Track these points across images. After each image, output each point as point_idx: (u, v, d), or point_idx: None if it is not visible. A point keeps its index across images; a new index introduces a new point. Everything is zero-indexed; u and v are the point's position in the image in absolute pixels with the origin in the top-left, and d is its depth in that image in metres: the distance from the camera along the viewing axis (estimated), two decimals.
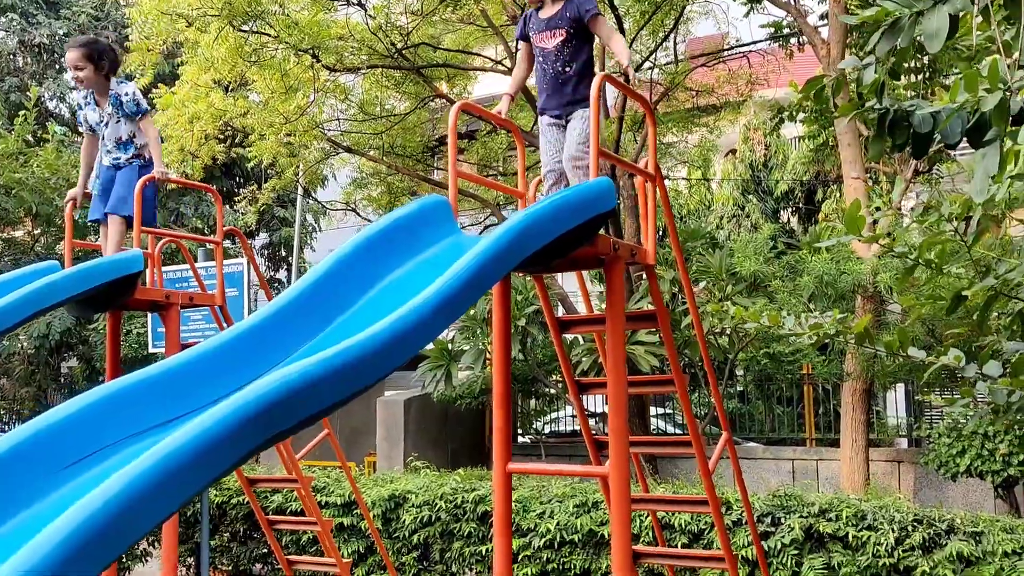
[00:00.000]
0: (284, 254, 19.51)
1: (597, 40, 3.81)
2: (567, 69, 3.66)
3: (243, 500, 8.42)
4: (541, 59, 3.74)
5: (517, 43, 4.02)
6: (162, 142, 13.33)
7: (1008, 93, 2.44)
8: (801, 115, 14.53)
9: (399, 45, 9.36)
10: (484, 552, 7.31)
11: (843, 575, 6.06)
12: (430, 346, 11.81)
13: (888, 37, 2.74)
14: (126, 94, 4.84)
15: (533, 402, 14.39)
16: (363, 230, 3.12)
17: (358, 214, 15.57)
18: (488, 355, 11.16)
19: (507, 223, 2.80)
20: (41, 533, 1.69)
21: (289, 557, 6.07)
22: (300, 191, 16.01)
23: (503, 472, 3.61)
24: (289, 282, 19.83)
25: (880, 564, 5.97)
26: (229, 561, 8.57)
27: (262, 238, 19.74)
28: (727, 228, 18.77)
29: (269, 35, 8.78)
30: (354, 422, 15.12)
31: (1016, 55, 2.49)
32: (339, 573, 5.56)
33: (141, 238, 4.68)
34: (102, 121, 4.92)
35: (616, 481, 3.27)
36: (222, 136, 12.83)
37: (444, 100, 12.22)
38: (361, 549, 7.75)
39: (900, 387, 13.15)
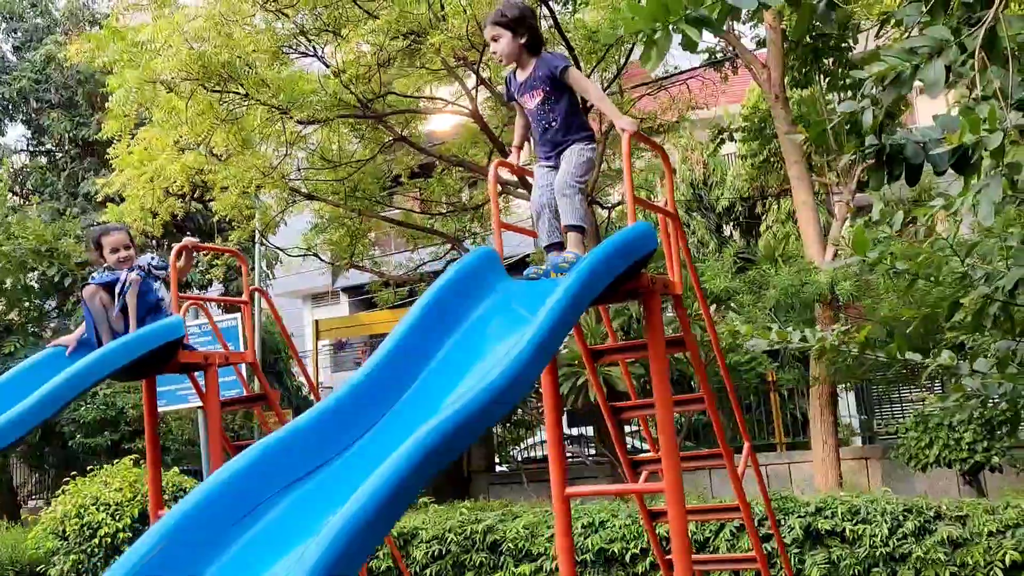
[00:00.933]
0: None
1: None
2: (552, 124, 3.91)
3: None
4: (529, 116, 4.03)
5: (506, 101, 4.30)
6: (121, 202, 13.44)
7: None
8: (739, 135, 15.26)
9: (368, 98, 9.66)
10: None
11: (843, 567, 6.49)
12: None
13: (892, 88, 3.17)
14: (151, 260, 5.09)
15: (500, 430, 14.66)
16: (435, 283, 3.42)
17: (319, 257, 15.75)
18: None
19: (577, 271, 3.14)
20: None
21: None
22: (258, 239, 16.10)
23: (562, 496, 3.93)
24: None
25: (877, 554, 6.42)
26: None
27: (218, 288, 19.71)
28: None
29: (239, 94, 9.01)
30: None
31: (1008, 99, 2.92)
32: None
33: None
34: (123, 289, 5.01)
35: (672, 494, 3.61)
36: (181, 193, 12.96)
37: (402, 142, 12.54)
38: None
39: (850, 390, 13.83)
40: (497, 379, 2.62)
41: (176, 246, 5.02)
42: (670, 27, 3.07)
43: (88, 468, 17.42)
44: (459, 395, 2.70)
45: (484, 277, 3.62)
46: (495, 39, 3.88)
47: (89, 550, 7.32)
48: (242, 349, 6.97)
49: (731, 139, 15.50)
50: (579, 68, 11.28)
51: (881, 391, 13.88)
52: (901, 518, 6.45)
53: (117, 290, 4.83)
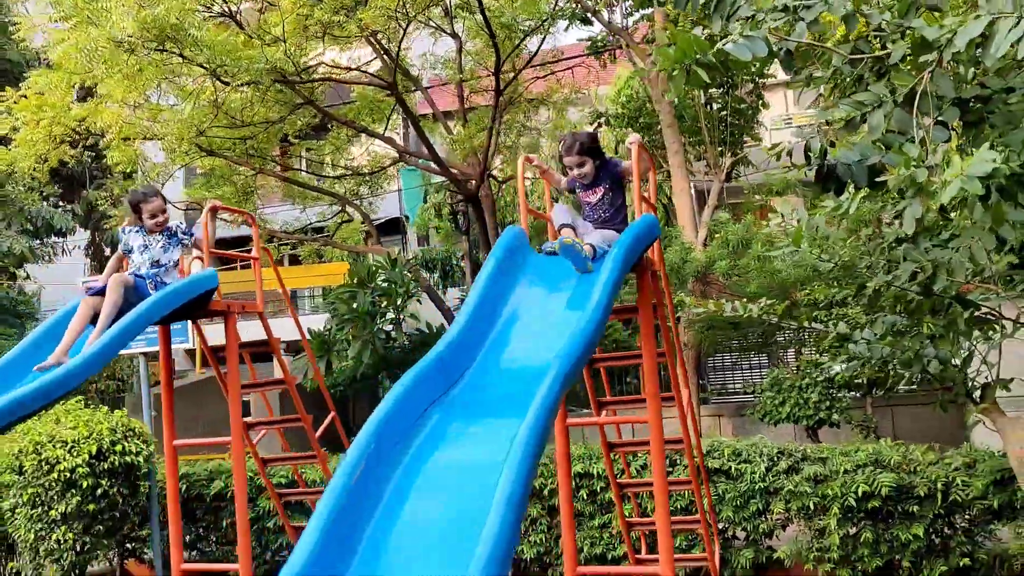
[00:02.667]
0: (109, 253, 19.19)
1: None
2: (604, 214, 4.79)
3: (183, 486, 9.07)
4: (585, 206, 4.87)
5: (568, 191, 5.11)
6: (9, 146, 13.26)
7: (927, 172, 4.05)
8: (615, 121, 16.59)
9: (299, 70, 10.19)
10: None
11: (728, 499, 7.84)
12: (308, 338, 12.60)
13: (848, 127, 4.32)
14: (179, 224, 5.65)
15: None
16: (492, 257, 4.30)
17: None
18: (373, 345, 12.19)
19: (614, 252, 4.12)
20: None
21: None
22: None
23: (563, 429, 4.94)
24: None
25: (755, 488, 7.80)
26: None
27: (84, 236, 19.32)
28: None
29: (179, 54, 9.34)
30: (211, 415, 15.59)
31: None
32: None
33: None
34: (147, 246, 5.50)
35: (656, 425, 4.70)
36: (74, 140, 12.97)
37: (311, 105, 13.01)
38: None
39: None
40: (579, 336, 3.55)
41: (207, 207, 5.60)
42: (685, 67, 4.17)
43: None
44: (550, 349, 3.60)
45: (520, 251, 4.55)
46: (581, 164, 4.75)
47: (47, 484, 7.68)
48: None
49: (607, 124, 16.83)
50: (498, 55, 12.21)
51: (727, 359, 15.63)
52: (776, 458, 7.86)
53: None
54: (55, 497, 7.76)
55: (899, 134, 4.42)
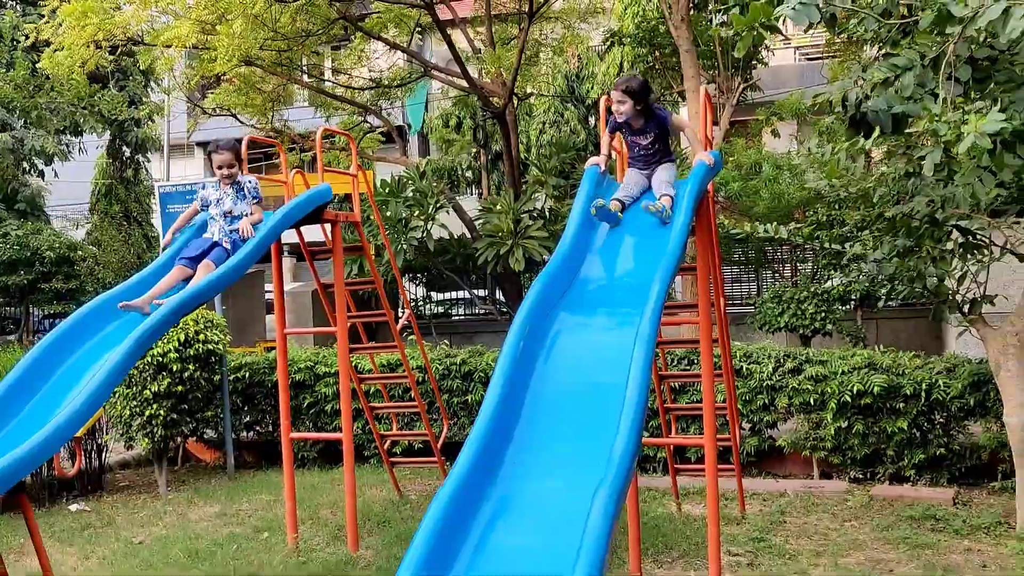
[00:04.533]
0: (129, 154, 19.81)
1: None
2: (652, 154, 5.29)
3: (245, 375, 10.13)
4: (634, 146, 5.34)
5: (610, 130, 5.45)
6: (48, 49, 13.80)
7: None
8: (627, 40, 17.23)
9: None
10: (468, 401, 9.59)
11: (738, 395, 8.98)
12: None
13: (884, 86, 5.24)
14: (249, 181, 5.95)
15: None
16: (581, 194, 5.21)
17: (237, 119, 16.53)
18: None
19: (691, 181, 5.07)
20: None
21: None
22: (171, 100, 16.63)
23: None
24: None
25: (763, 385, 8.93)
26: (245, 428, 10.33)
27: (106, 138, 19.86)
28: (549, 133, 21.40)
29: None
30: (240, 315, 16.59)
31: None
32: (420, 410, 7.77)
33: None
34: (220, 199, 5.87)
35: (704, 329, 5.72)
36: (114, 45, 13.57)
37: (345, 20, 13.62)
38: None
39: None
40: (673, 252, 4.52)
41: (319, 129, 6.45)
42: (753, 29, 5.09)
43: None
44: (645, 262, 4.59)
45: (603, 183, 5.49)
46: (621, 101, 5.15)
47: (141, 367, 8.66)
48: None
49: (620, 43, 17.50)
50: None
51: (727, 273, 16.71)
52: (782, 360, 8.97)
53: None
54: (148, 379, 8.77)
55: (919, 86, 5.34)
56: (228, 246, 5.65)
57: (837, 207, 10.03)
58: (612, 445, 3.37)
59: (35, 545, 4.50)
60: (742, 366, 9.01)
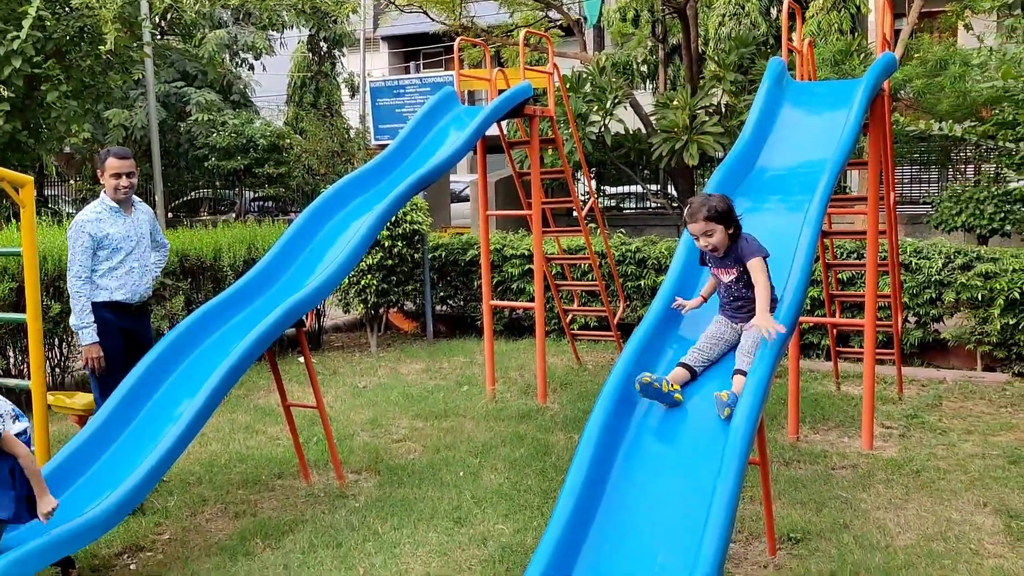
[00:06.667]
0: (326, 48, 21.19)
1: None
2: (740, 297, 4.19)
3: (441, 254, 11.30)
4: (720, 286, 4.30)
5: (699, 264, 4.50)
6: None
7: None
8: None
9: None
10: (640, 286, 10.39)
11: (906, 288, 9.34)
12: None
13: None
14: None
15: None
16: (764, 82, 5.78)
17: (427, 15, 17.53)
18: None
19: (866, 78, 5.55)
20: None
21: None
22: None
23: None
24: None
25: (932, 280, 9.25)
26: (440, 302, 11.58)
27: (304, 32, 21.32)
28: (728, 26, 21.24)
29: None
30: (429, 203, 17.91)
31: None
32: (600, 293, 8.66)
33: None
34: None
35: (872, 218, 6.23)
36: None
37: None
38: None
39: None
40: (843, 143, 5.08)
41: (522, 32, 7.22)
42: None
43: (217, 186, 19.82)
44: (816, 152, 5.18)
45: (783, 80, 6.02)
46: (708, 234, 4.08)
47: None
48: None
49: None
50: None
51: (907, 172, 16.54)
52: (952, 256, 9.23)
53: None
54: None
55: None
56: None
57: None
58: (777, 310, 4.10)
59: (309, 375, 5.76)
60: (911, 261, 9.32)
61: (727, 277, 4.21)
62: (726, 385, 3.96)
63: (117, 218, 5.42)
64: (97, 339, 5.31)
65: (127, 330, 5.47)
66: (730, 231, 4.13)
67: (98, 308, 5.33)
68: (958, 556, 4.60)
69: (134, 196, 5.57)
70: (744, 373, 3.95)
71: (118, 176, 5.37)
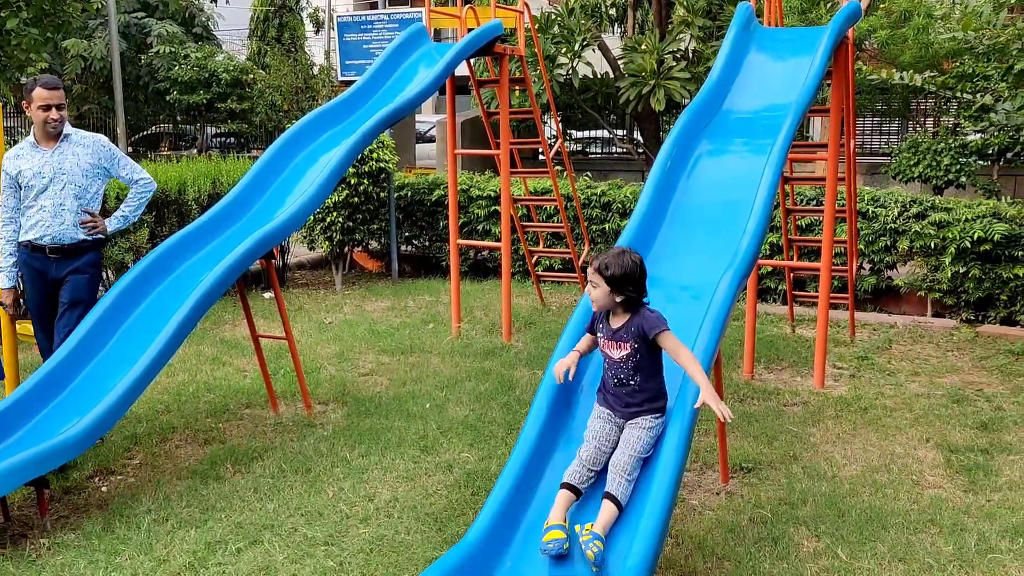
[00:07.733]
0: None
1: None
2: (631, 381, 3.53)
3: (407, 194, 11.32)
4: (606, 363, 3.62)
5: (586, 330, 3.80)
6: None
7: None
8: None
9: None
10: (605, 229, 10.54)
11: (862, 235, 9.58)
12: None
13: None
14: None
15: None
16: (732, 28, 5.87)
17: None
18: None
19: (830, 27, 5.65)
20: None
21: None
22: None
23: None
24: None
25: (887, 228, 9.49)
26: (405, 242, 11.64)
27: None
28: None
29: None
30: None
31: None
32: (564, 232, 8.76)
33: None
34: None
35: (831, 165, 6.39)
36: None
37: None
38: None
39: None
40: (806, 90, 5.21)
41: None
42: None
43: (178, 120, 19.49)
44: (781, 97, 5.30)
45: (751, 25, 6.11)
46: (594, 285, 3.55)
47: None
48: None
49: None
50: None
51: (868, 123, 16.76)
52: (907, 205, 9.47)
53: None
54: None
55: None
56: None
57: (986, 59, 10.12)
58: (739, 242, 4.25)
59: (279, 305, 5.82)
60: (868, 209, 9.55)
61: (617, 353, 3.55)
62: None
63: (34, 153, 5.10)
64: (10, 284, 5.17)
65: (42, 273, 5.18)
66: (619, 300, 3.53)
67: (21, 249, 5.17)
68: (900, 486, 4.85)
69: (78, 131, 5.26)
70: (616, 500, 3.28)
71: (47, 108, 5.00)
